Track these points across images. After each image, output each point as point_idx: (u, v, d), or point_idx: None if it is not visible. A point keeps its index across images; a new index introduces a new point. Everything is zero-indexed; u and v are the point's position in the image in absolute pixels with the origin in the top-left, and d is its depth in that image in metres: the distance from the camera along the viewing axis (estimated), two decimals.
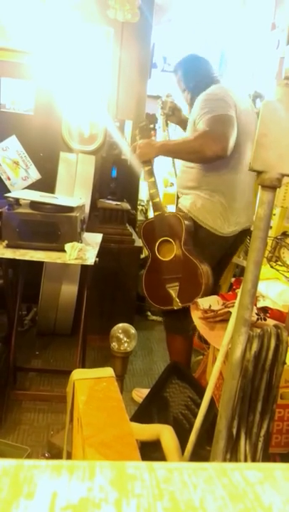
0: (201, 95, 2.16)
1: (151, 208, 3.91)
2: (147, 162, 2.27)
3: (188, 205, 2.24)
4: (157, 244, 2.26)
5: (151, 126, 2.35)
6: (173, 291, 2.22)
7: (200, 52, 2.48)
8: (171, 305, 2.22)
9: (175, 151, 2.21)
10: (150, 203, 2.36)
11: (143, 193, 3.87)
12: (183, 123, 2.48)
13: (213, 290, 2.45)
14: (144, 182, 3.86)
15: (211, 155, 2.03)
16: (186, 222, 2.21)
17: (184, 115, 2.53)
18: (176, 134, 2.82)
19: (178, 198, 2.37)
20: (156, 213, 2.26)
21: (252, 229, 2.37)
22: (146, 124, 2.34)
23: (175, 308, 2.21)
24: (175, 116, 2.55)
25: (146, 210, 3.96)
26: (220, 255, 2.35)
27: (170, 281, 2.24)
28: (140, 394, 2.35)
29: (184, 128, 2.42)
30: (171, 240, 2.22)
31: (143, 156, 2.26)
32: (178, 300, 2.21)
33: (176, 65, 2.38)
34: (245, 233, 2.36)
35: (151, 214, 3.96)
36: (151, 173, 2.28)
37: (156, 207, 2.27)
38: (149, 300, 2.31)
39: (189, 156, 2.16)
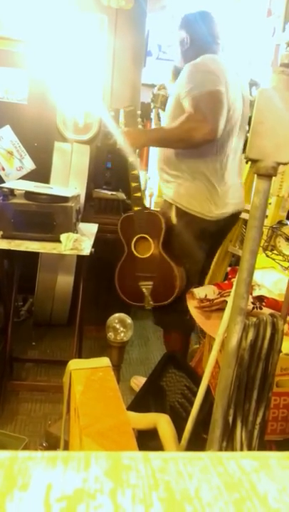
0: (189, 65, 2.02)
1: (148, 197, 3.89)
2: (132, 153, 2.17)
3: (172, 194, 2.16)
4: (134, 239, 2.22)
5: (139, 112, 2.24)
6: (146, 289, 2.21)
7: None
8: (142, 303, 2.21)
9: (161, 139, 2.12)
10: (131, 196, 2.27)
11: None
12: None
13: (203, 276, 2.45)
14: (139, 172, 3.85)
15: (200, 140, 1.93)
16: (167, 222, 2.17)
17: None
18: None
19: (135, 190, 2.26)
20: (136, 208, 2.19)
21: (243, 214, 2.38)
22: (134, 110, 2.22)
23: (146, 307, 2.21)
24: None
25: (142, 199, 3.94)
26: (211, 240, 2.30)
27: (144, 279, 2.21)
28: (138, 382, 2.36)
29: None
30: (149, 238, 2.18)
31: (129, 145, 2.14)
32: (150, 299, 2.20)
33: (187, 14, 2.23)
34: (236, 216, 2.30)
35: (146, 204, 3.95)
36: (134, 165, 2.20)
37: (137, 202, 2.19)
38: (120, 294, 2.27)
39: (178, 144, 2.06)
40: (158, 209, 2.28)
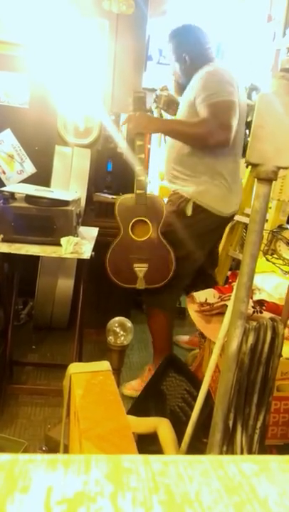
0: (203, 72, 2.13)
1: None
2: (141, 136, 2.19)
3: (191, 191, 2.23)
4: (132, 222, 2.24)
5: (143, 95, 2.26)
6: (140, 271, 2.24)
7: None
8: (134, 284, 2.24)
9: (179, 132, 2.17)
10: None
11: None
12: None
13: (208, 276, 2.51)
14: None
15: (214, 143, 2.06)
16: (169, 208, 2.24)
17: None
18: None
19: (140, 173, 2.26)
20: (139, 192, 2.22)
21: (243, 218, 2.43)
22: (143, 97, 2.24)
23: (138, 287, 2.24)
24: (172, 109, 2.51)
25: (145, 182, 3.94)
26: (218, 233, 2.46)
27: (139, 261, 2.24)
28: (131, 387, 2.37)
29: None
30: (148, 221, 2.22)
31: (138, 127, 2.16)
32: (143, 281, 2.23)
33: (172, 32, 2.33)
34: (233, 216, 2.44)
35: None
36: (142, 149, 2.21)
37: (140, 185, 2.22)
38: (110, 275, 2.28)
39: (191, 141, 2.15)
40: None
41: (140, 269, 2.23)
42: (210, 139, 2.04)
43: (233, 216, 2.37)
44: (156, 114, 2.58)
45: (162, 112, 2.61)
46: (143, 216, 2.22)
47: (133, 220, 2.24)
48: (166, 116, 2.71)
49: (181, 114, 2.27)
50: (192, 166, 2.22)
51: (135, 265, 2.23)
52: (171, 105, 2.49)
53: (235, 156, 2.23)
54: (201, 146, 2.14)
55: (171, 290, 2.32)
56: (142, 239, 2.24)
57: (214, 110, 2.03)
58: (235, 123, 2.05)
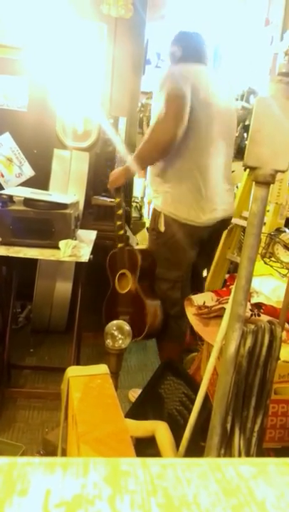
0: (163, 72, 2.23)
1: (146, 204, 3.89)
2: (117, 193, 2.33)
3: (160, 203, 2.23)
4: (117, 275, 2.34)
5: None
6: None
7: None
8: None
9: (139, 159, 2.21)
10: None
11: (137, 190, 3.87)
12: None
13: (199, 284, 2.49)
14: (138, 179, 3.87)
15: (165, 143, 2.06)
16: (144, 257, 2.27)
17: None
18: None
19: (119, 228, 2.38)
20: (120, 245, 2.32)
21: (241, 221, 2.41)
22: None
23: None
24: None
25: (141, 207, 3.96)
26: (198, 248, 2.34)
27: (122, 313, 2.31)
28: (136, 394, 2.36)
29: None
30: (128, 273, 2.30)
31: (113, 184, 2.31)
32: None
33: (177, 34, 2.35)
34: (226, 222, 2.33)
35: (145, 211, 3.98)
36: (120, 205, 2.33)
37: (120, 239, 2.32)
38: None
39: (152, 154, 2.16)
40: (142, 246, 2.44)
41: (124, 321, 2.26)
42: (162, 140, 2.06)
43: (215, 225, 2.27)
44: (144, 122, 2.63)
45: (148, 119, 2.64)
46: (124, 269, 2.31)
47: (118, 274, 2.34)
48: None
49: (154, 108, 2.36)
50: (163, 172, 2.23)
51: (120, 317, 2.26)
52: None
53: (203, 159, 2.18)
54: (164, 151, 2.12)
55: (176, 319, 2.33)
56: (124, 291, 2.32)
57: (160, 110, 2.06)
58: (182, 115, 2.04)
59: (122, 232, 2.31)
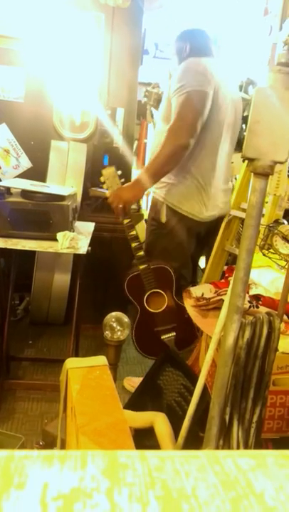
0: (185, 62, 2.09)
1: (144, 196, 3.87)
2: (126, 214, 2.13)
3: (164, 193, 2.20)
4: (145, 297, 2.21)
5: (119, 172, 2.15)
6: (169, 341, 2.23)
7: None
8: None
9: (154, 174, 2.08)
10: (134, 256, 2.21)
11: None
12: None
13: (194, 278, 2.49)
14: (136, 171, 3.85)
15: (182, 149, 2.00)
16: (150, 214, 2.21)
17: None
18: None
19: (136, 249, 2.19)
20: (142, 267, 2.16)
21: (239, 213, 2.41)
22: (113, 170, 2.14)
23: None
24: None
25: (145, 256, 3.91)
26: (196, 242, 2.34)
27: (165, 332, 2.24)
28: (132, 383, 2.37)
29: None
30: (161, 291, 2.20)
31: (125, 203, 2.09)
32: (175, 349, 2.22)
33: (183, 32, 2.30)
34: (221, 220, 2.35)
35: (143, 203, 3.96)
36: (131, 226, 2.14)
37: (141, 260, 2.16)
38: (141, 353, 2.30)
39: (168, 170, 2.08)
40: (161, 263, 2.23)
41: (169, 338, 2.23)
42: (179, 150, 1.99)
43: (209, 222, 2.26)
44: (147, 111, 2.54)
45: (152, 108, 2.58)
46: (155, 288, 2.19)
47: (146, 295, 2.20)
48: (155, 113, 2.67)
49: (161, 108, 2.24)
50: None
51: (163, 337, 2.22)
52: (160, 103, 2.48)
53: (214, 155, 2.16)
54: (180, 157, 2.05)
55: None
56: (161, 309, 2.21)
57: (180, 107, 1.99)
58: (200, 116, 1.99)
59: (141, 252, 2.15)
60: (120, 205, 2.09)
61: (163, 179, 2.19)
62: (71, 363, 1.22)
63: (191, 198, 2.17)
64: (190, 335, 2.19)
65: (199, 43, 2.23)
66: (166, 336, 2.23)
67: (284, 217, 2.58)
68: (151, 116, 2.51)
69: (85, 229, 2.33)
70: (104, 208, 2.90)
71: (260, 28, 3.37)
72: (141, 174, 2.14)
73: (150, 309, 2.21)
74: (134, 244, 2.14)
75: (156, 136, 2.34)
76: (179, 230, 2.21)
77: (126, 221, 2.12)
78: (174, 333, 2.23)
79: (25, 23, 2.88)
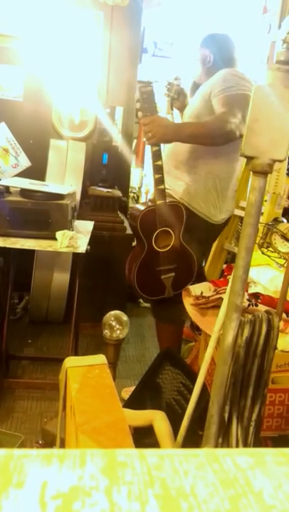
0: (224, 70, 2.10)
1: (144, 194, 3.85)
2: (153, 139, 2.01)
3: (181, 192, 2.18)
4: (155, 234, 2.13)
5: (151, 89, 1.98)
6: (167, 281, 2.20)
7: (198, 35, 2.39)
8: (163, 294, 2.21)
9: (193, 135, 2.03)
10: (154, 189, 2.12)
11: (134, 180, 3.85)
12: (185, 109, 2.39)
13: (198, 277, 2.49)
14: (135, 169, 3.84)
15: (227, 137, 1.96)
16: (186, 211, 2.16)
17: (188, 101, 2.46)
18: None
19: (158, 182, 2.09)
20: (159, 202, 2.07)
21: (238, 211, 2.41)
22: (151, 90, 1.97)
23: (166, 296, 2.21)
24: (179, 101, 2.43)
25: (138, 197, 3.93)
26: (208, 243, 2.39)
27: (166, 272, 2.19)
28: (130, 393, 2.36)
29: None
30: (170, 230, 2.13)
31: (155, 139, 1.98)
32: (171, 289, 2.20)
33: (206, 37, 2.28)
34: (226, 223, 2.40)
35: (142, 201, 3.95)
36: (158, 155, 2.01)
37: (161, 194, 2.06)
38: (138, 291, 2.24)
39: (207, 140, 2.04)
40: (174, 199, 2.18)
41: (167, 278, 2.19)
42: (225, 134, 1.94)
43: (218, 224, 2.28)
44: (165, 102, 2.48)
45: (171, 100, 2.52)
46: (166, 226, 2.11)
47: (156, 232, 2.12)
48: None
49: (194, 107, 2.20)
50: (190, 163, 2.16)
51: (163, 276, 2.19)
52: (180, 96, 2.41)
53: (236, 161, 2.20)
54: (216, 143, 2.04)
55: (179, 304, 2.30)
56: (167, 249, 2.15)
57: (231, 101, 1.97)
58: (246, 116, 2.01)
59: (162, 186, 2.03)
60: (154, 139, 1.99)
61: (181, 176, 2.18)
62: (70, 361, 1.22)
63: (208, 201, 2.19)
64: (186, 277, 2.18)
65: (223, 54, 2.22)
66: (166, 275, 2.19)
67: (283, 215, 2.59)
68: (171, 107, 2.45)
69: (84, 228, 2.32)
70: (103, 206, 2.90)
71: (259, 26, 3.37)
72: (180, 127, 2.10)
73: (157, 248, 2.14)
74: (157, 176, 2.04)
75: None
76: (191, 230, 2.19)
77: (155, 148, 2.02)
78: (174, 274, 2.19)
79: (24, 21, 2.88)
